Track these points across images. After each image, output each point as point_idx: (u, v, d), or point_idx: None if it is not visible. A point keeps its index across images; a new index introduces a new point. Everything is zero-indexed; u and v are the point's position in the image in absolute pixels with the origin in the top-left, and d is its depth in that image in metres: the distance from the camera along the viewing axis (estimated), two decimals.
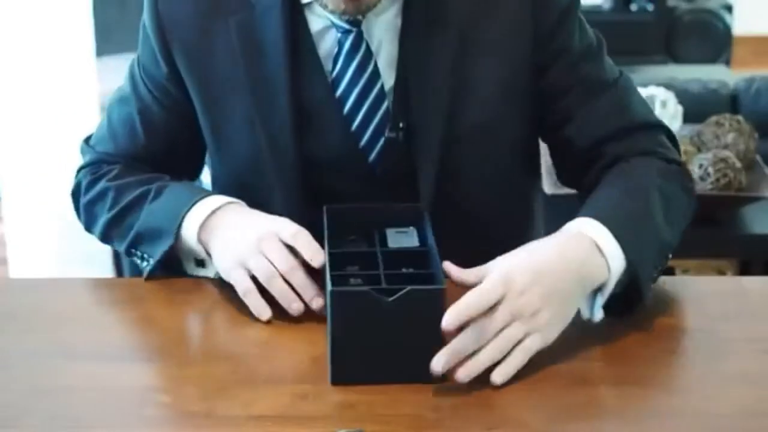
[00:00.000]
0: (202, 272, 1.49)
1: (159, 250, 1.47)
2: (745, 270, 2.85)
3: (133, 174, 1.56)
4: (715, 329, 1.38)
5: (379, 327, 1.22)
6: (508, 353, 1.23)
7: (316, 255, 1.35)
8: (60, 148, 3.15)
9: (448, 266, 1.28)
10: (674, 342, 1.35)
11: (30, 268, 3.24)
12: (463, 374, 1.21)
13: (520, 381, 1.24)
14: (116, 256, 3.21)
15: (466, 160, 1.51)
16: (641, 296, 1.34)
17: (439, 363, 1.20)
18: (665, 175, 1.47)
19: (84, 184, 1.59)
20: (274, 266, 1.36)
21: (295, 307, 1.36)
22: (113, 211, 1.53)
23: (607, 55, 1.56)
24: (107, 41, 4.65)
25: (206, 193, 1.49)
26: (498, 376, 1.22)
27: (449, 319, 1.19)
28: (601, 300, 1.32)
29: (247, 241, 1.39)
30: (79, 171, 1.63)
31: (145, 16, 1.55)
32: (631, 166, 1.48)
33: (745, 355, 1.33)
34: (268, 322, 1.38)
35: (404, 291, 1.21)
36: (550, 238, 1.34)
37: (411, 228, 1.40)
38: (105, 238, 1.57)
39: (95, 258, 3.24)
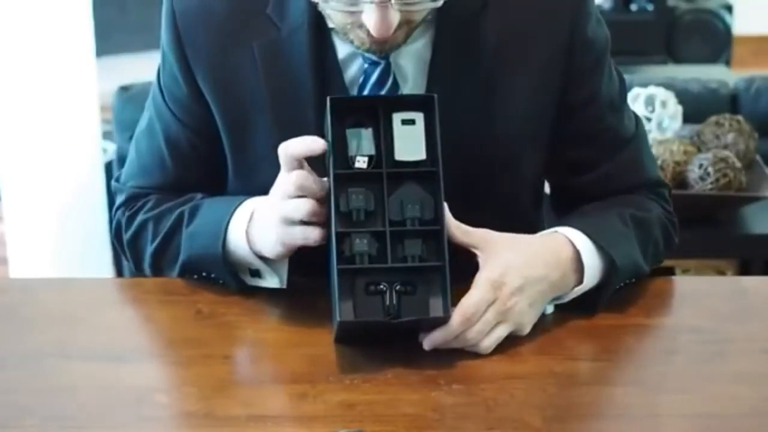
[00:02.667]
0: (262, 283, 1.45)
1: (216, 271, 1.45)
2: (745, 270, 2.85)
3: (168, 201, 1.52)
4: (715, 329, 1.38)
5: (381, 330, 1.29)
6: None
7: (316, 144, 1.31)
8: (60, 148, 3.15)
9: (451, 222, 1.31)
10: (674, 342, 1.35)
11: (30, 268, 3.24)
12: (429, 343, 1.29)
13: (520, 380, 1.24)
14: (116, 256, 3.22)
15: (480, 194, 1.47)
16: (594, 305, 1.40)
17: (428, 343, 1.28)
18: (658, 219, 1.52)
19: (123, 222, 1.56)
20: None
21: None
22: (156, 242, 1.50)
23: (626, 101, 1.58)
24: (107, 41, 4.66)
25: (238, 202, 1.44)
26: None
27: (439, 342, 1.29)
28: (564, 299, 1.39)
29: (267, 218, 1.37)
30: (116, 211, 1.59)
31: (163, 37, 1.51)
32: (629, 197, 1.53)
33: (745, 355, 1.33)
34: (268, 322, 1.38)
35: (411, 319, 1.26)
36: (541, 240, 1.39)
37: (419, 114, 1.32)
38: (156, 270, 1.53)
39: (95, 258, 3.24)
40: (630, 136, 1.55)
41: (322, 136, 1.35)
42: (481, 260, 1.32)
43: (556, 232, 1.41)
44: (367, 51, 1.41)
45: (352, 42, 1.40)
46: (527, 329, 1.33)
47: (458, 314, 1.27)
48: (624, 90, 1.56)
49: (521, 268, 1.32)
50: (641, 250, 1.46)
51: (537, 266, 1.34)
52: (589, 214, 1.48)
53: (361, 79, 1.46)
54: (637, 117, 1.58)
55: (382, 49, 1.40)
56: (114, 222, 1.59)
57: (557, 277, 1.36)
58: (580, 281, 1.38)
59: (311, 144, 1.31)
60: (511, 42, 1.46)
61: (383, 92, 1.45)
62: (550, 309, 1.39)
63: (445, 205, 1.30)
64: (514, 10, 1.47)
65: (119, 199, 1.59)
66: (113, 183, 1.62)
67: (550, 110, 1.49)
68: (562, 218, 1.51)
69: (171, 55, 1.50)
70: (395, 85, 1.46)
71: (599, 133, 1.52)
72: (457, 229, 1.31)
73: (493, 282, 1.30)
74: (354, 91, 1.47)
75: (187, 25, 1.49)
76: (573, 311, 1.38)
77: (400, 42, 1.39)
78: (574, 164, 1.54)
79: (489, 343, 1.30)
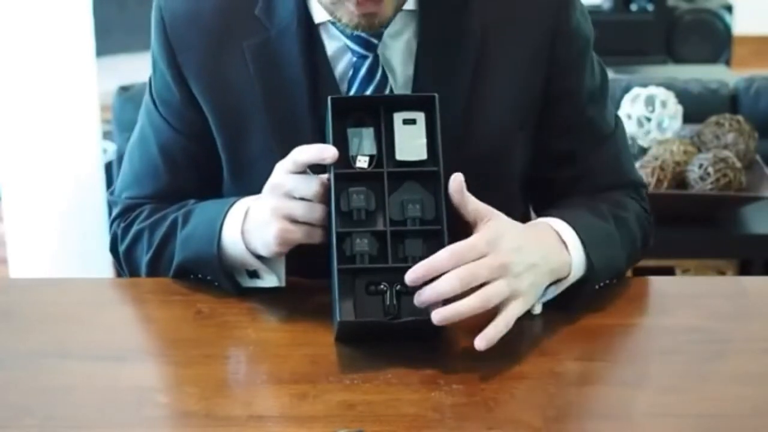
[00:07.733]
0: (260, 283, 1.45)
1: (211, 273, 1.45)
2: (745, 270, 2.86)
3: (163, 209, 1.52)
4: (715, 329, 1.38)
5: (382, 330, 1.29)
6: (492, 319, 1.26)
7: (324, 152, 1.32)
8: (60, 148, 3.15)
9: (455, 185, 1.30)
10: (674, 342, 1.35)
11: (30, 268, 3.24)
12: (439, 317, 1.23)
13: (520, 381, 1.24)
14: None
15: (468, 187, 1.43)
16: (572, 303, 1.39)
17: (414, 275, 1.23)
18: (637, 218, 1.53)
19: (119, 234, 1.56)
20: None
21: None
22: (151, 251, 1.50)
23: (608, 98, 1.58)
24: (107, 41, 4.66)
25: (231, 202, 1.44)
26: (481, 341, 1.24)
27: (420, 272, 1.23)
28: (550, 294, 1.37)
29: (262, 211, 1.37)
30: (111, 224, 1.59)
31: (153, 44, 1.51)
32: (610, 194, 1.53)
33: (745, 355, 1.33)
34: (268, 322, 1.38)
35: (410, 320, 1.26)
36: (526, 225, 1.40)
37: (420, 114, 1.33)
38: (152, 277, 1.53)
39: (95, 258, 3.23)
40: (610, 132, 1.56)
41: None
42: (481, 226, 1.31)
43: (542, 222, 1.41)
44: (356, 28, 1.40)
45: (340, 21, 1.40)
46: (530, 303, 1.31)
47: (446, 250, 1.24)
48: (606, 86, 1.56)
49: (514, 235, 1.31)
50: (622, 249, 1.46)
51: (529, 240, 1.32)
52: (572, 207, 1.47)
53: (350, 73, 1.47)
54: (617, 117, 1.59)
55: (371, 24, 1.39)
56: (110, 235, 1.59)
57: (550, 254, 1.34)
58: (570, 264, 1.37)
59: (323, 152, 1.30)
60: (496, 32, 1.47)
61: (373, 85, 1.46)
62: (538, 309, 1.37)
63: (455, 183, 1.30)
64: (499, 1, 1.47)
65: (115, 211, 1.59)
66: (108, 196, 1.62)
67: (536, 101, 1.50)
68: (542, 213, 1.50)
69: (162, 61, 1.50)
70: (384, 77, 1.46)
71: (580, 125, 1.53)
72: (470, 201, 1.31)
73: (488, 240, 1.27)
74: (344, 86, 1.47)
75: (176, 29, 1.49)
76: (561, 313, 1.38)
77: (388, 14, 1.39)
78: (554, 157, 1.54)
79: (477, 301, 1.24)
